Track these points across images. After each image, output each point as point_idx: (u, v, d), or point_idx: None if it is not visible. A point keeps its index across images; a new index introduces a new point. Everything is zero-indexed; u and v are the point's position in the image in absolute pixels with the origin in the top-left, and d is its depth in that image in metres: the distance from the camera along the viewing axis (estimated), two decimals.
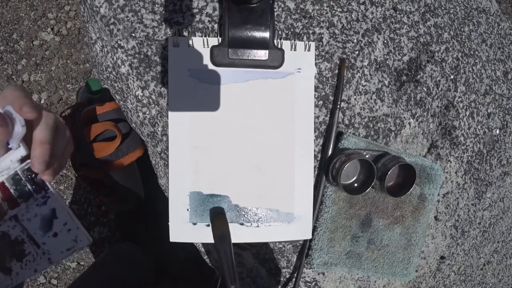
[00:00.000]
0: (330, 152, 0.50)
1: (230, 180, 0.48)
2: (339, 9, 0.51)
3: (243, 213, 0.49)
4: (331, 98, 0.51)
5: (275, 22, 0.48)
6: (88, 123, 0.67)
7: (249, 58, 0.47)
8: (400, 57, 0.55)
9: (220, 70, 0.47)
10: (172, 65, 0.46)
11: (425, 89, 0.57)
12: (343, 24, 0.51)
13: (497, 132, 0.67)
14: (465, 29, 0.63)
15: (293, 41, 0.48)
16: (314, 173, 0.51)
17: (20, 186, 0.36)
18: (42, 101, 1.38)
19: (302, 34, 0.49)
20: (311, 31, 0.50)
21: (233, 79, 0.47)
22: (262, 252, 0.54)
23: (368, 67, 0.52)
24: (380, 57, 0.53)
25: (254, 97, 0.48)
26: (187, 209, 0.48)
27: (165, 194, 0.53)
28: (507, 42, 0.71)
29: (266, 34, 0.46)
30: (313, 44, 0.49)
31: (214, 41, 0.46)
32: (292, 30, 0.49)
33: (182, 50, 0.46)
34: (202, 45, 0.46)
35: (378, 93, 0.53)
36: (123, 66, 0.45)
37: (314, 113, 0.50)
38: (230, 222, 0.48)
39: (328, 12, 0.51)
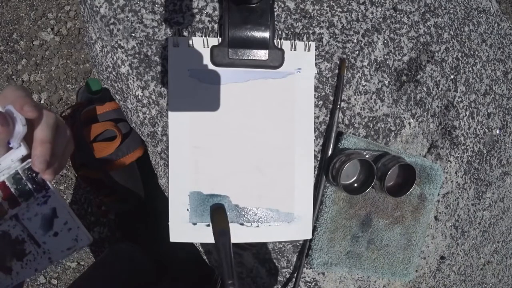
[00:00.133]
0: (330, 152, 0.50)
1: (230, 180, 0.48)
2: (339, 9, 0.51)
3: (243, 213, 0.49)
4: (331, 98, 0.51)
5: (275, 22, 0.48)
6: (88, 123, 0.67)
7: (249, 58, 0.47)
8: (400, 57, 0.55)
9: (220, 70, 0.47)
10: (172, 65, 0.46)
11: (425, 89, 0.57)
12: (343, 24, 0.51)
13: (497, 132, 0.67)
14: (465, 29, 0.63)
15: (293, 41, 0.48)
16: (314, 173, 0.51)
17: (20, 185, 0.36)
18: (42, 101, 1.38)
19: (302, 34, 0.49)
20: (311, 31, 0.50)
21: (233, 79, 0.47)
22: (262, 252, 0.54)
23: (368, 67, 0.52)
24: (380, 57, 0.53)
25: (254, 97, 0.48)
26: (187, 209, 0.48)
27: (165, 194, 0.53)
28: (507, 42, 0.71)
29: (266, 34, 0.46)
30: (313, 44, 0.49)
31: (214, 41, 0.46)
32: (292, 30, 0.49)
33: (182, 50, 0.46)
34: (202, 45, 0.46)
35: (378, 93, 0.53)
36: (123, 66, 0.45)
37: (314, 113, 0.50)
38: (230, 222, 0.48)
39: (328, 12, 0.51)
